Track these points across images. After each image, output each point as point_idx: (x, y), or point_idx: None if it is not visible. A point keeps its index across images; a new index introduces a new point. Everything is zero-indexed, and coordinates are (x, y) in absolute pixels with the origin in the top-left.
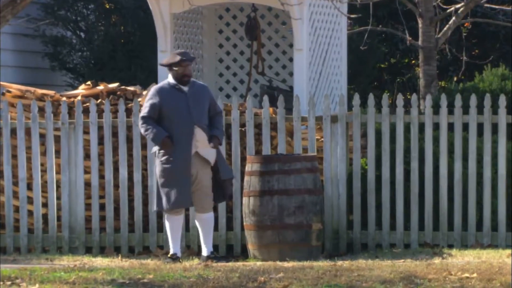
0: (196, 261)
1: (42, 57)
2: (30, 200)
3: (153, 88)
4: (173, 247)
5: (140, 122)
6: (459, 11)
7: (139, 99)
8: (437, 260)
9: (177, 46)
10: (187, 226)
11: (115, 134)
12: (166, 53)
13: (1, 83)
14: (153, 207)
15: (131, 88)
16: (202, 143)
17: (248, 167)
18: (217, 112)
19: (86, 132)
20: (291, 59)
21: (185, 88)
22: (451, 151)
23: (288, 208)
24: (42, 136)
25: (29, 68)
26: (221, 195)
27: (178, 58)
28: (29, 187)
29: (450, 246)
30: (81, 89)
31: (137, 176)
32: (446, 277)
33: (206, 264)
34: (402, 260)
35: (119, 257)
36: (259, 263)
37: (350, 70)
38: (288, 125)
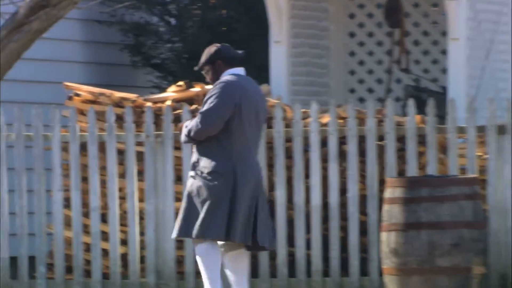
0: None
1: (120, 50)
2: (104, 236)
3: None
4: None
5: None
6: None
7: None
8: None
9: (294, 35)
10: None
11: None
12: (281, 45)
13: (67, 84)
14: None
15: None
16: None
17: (388, 193)
18: None
19: (177, 147)
20: (444, 52)
21: None
22: None
23: (440, 246)
24: (121, 152)
25: (103, 64)
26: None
27: None
28: (104, 219)
29: None
30: (171, 92)
31: None
32: None
33: None
34: None
35: None
36: None
37: None
38: (440, 137)
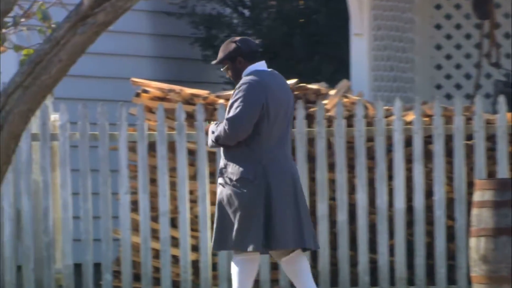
0: None
1: (191, 43)
2: (174, 242)
3: None
4: None
5: None
6: None
7: (325, 102)
8: None
9: (376, 27)
10: None
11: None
12: (362, 38)
13: (135, 80)
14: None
15: (313, 86)
16: None
17: (477, 196)
18: None
19: None
20: None
21: None
22: None
23: None
24: (192, 153)
25: (173, 58)
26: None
27: None
28: (174, 223)
29: None
30: None
31: (323, 209)
32: None
33: None
34: None
35: None
36: None
37: None
38: None
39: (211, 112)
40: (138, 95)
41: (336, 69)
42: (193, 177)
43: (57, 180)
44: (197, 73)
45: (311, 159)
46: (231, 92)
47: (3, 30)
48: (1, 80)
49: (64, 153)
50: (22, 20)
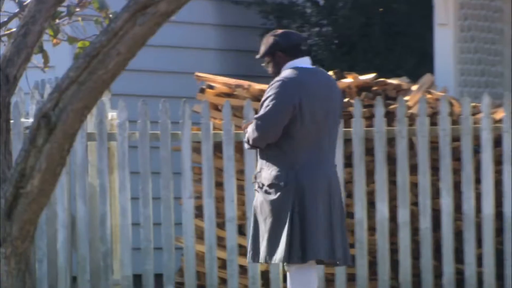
0: None
1: (260, 35)
2: (242, 251)
3: None
4: None
5: None
6: None
7: (406, 98)
8: None
9: (463, 17)
10: None
11: (369, 151)
12: (447, 28)
13: (199, 74)
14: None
15: (393, 82)
16: None
17: None
18: None
19: None
20: None
21: None
22: None
23: None
24: None
25: (241, 51)
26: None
27: None
28: (241, 230)
29: None
30: None
31: (404, 215)
32: None
33: None
34: None
35: None
36: None
37: None
38: None
39: None
40: (202, 91)
41: (419, 62)
42: None
43: (115, 183)
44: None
45: (391, 160)
46: None
47: (56, 21)
48: (54, 75)
49: (122, 154)
50: (77, 9)
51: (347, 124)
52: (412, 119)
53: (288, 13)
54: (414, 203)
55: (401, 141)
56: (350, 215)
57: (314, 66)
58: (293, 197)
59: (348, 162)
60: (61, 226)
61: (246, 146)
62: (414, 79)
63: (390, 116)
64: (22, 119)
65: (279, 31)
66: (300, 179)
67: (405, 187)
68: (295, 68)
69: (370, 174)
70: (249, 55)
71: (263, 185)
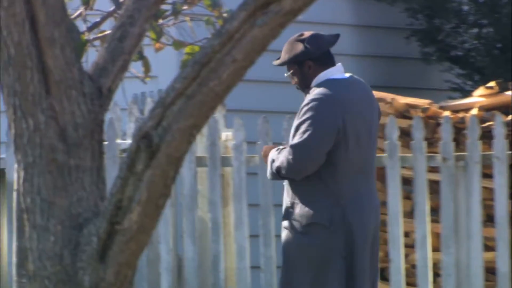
0: None
1: (406, 37)
2: None
3: None
4: None
5: None
6: None
7: None
8: None
9: None
10: None
11: None
12: None
13: None
14: None
15: None
16: None
17: None
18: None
19: (487, 174)
20: None
21: None
22: None
23: None
24: (406, 182)
25: (382, 57)
26: None
27: None
28: (384, 275)
29: None
30: (478, 96)
31: None
32: None
33: None
34: None
35: None
36: None
37: None
38: None
39: (432, 128)
40: None
41: None
42: (409, 214)
43: (230, 218)
44: (415, 77)
45: None
46: (460, 101)
47: (160, 21)
48: (157, 87)
49: (239, 183)
50: (184, 7)
51: None
52: None
53: (441, 11)
54: None
55: None
56: None
57: (349, 75)
58: (340, 240)
59: None
60: (165, 269)
61: (269, 176)
62: None
63: None
64: (118, 140)
65: (307, 34)
66: (348, 217)
67: None
68: (331, 80)
69: None
70: (393, 62)
71: (299, 223)
